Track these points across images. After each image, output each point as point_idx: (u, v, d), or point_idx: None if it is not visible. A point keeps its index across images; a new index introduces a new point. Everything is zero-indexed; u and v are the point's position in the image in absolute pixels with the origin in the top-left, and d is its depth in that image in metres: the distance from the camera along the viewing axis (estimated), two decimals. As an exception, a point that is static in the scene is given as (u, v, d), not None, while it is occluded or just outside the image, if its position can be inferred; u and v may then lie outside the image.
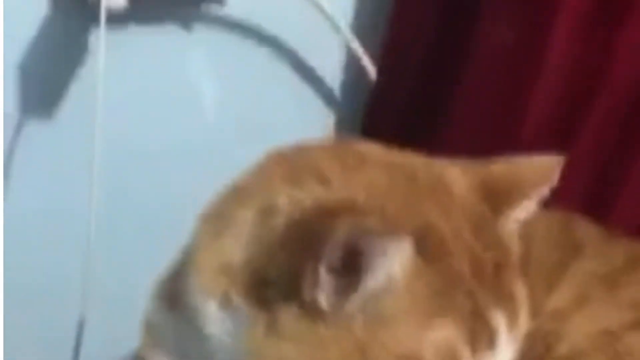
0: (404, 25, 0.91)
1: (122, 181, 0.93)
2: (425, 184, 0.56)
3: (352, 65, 0.97)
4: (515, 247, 0.58)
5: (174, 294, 0.59)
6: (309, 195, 0.53)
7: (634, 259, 0.73)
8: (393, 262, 0.50)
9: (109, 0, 0.82)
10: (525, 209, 0.59)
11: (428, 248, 0.52)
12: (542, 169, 0.58)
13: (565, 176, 0.90)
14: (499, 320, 0.54)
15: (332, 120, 1.02)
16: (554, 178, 0.59)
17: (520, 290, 0.56)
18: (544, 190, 0.59)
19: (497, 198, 0.57)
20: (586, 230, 0.75)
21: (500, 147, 0.88)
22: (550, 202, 0.82)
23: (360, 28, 0.95)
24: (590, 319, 0.69)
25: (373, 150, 0.59)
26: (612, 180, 0.91)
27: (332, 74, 0.99)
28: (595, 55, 0.84)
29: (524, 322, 0.56)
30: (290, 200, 0.53)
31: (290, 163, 0.57)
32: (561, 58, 0.84)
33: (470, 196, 0.56)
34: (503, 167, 0.59)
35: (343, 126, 1.02)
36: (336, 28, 0.93)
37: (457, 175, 0.57)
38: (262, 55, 0.97)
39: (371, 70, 0.96)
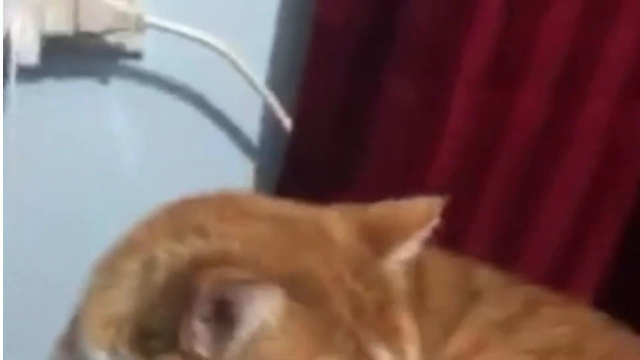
0: (316, 80, 0.93)
1: (31, 248, 0.93)
2: (305, 232, 0.57)
3: (269, 118, 0.99)
4: (399, 285, 0.59)
5: (71, 341, 0.60)
6: (188, 249, 0.55)
7: (531, 303, 0.75)
8: (262, 309, 0.51)
9: (19, 56, 0.82)
10: (407, 250, 0.60)
11: (305, 293, 0.53)
12: (422, 211, 0.60)
13: (473, 227, 0.94)
14: (384, 355, 0.55)
15: (251, 171, 1.03)
16: (434, 219, 0.60)
17: (407, 325, 0.58)
18: (425, 231, 0.60)
19: (378, 240, 0.59)
20: (486, 276, 0.77)
21: (406, 192, 0.91)
22: (458, 250, 0.85)
23: (276, 82, 0.97)
24: (489, 365, 0.70)
25: (256, 202, 0.61)
26: (518, 229, 0.93)
27: (250, 126, 1.00)
28: (495, 112, 0.87)
29: (414, 355, 0.57)
30: (170, 253, 0.55)
31: (174, 217, 0.59)
32: (463, 116, 0.87)
33: (350, 240, 0.58)
34: (382, 209, 0.60)
35: (263, 177, 1.03)
36: (252, 83, 0.95)
37: (335, 220, 0.59)
38: (180, 109, 0.98)
39: (287, 122, 0.97)
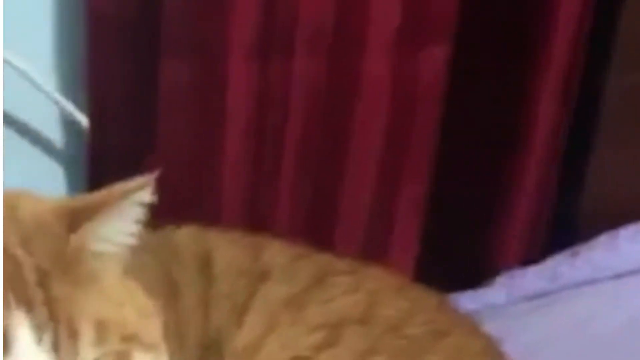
0: (100, 73, 0.92)
1: None
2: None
3: (67, 121, 0.97)
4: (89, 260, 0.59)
5: None
6: None
7: (320, 275, 0.75)
8: None
9: None
10: (101, 225, 0.59)
11: None
12: (118, 188, 0.59)
13: (277, 204, 0.94)
14: (19, 322, 0.54)
15: (61, 177, 1.01)
16: (135, 193, 0.59)
17: (67, 298, 0.56)
18: (119, 207, 0.59)
19: (75, 216, 0.58)
20: (275, 253, 0.77)
21: (201, 176, 0.91)
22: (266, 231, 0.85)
23: (65, 83, 0.95)
24: (280, 346, 0.70)
25: None
26: (322, 200, 0.94)
27: (48, 131, 0.98)
28: (274, 82, 0.88)
29: (74, 334, 0.56)
30: None
31: None
32: (242, 91, 0.87)
33: (33, 218, 0.58)
34: (95, 194, 0.60)
35: (73, 180, 1.01)
36: (40, 89, 0.93)
37: (27, 203, 0.60)
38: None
39: (84, 122, 0.96)
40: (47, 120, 0.98)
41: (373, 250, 1.00)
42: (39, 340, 0.54)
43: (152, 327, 0.61)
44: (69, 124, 0.97)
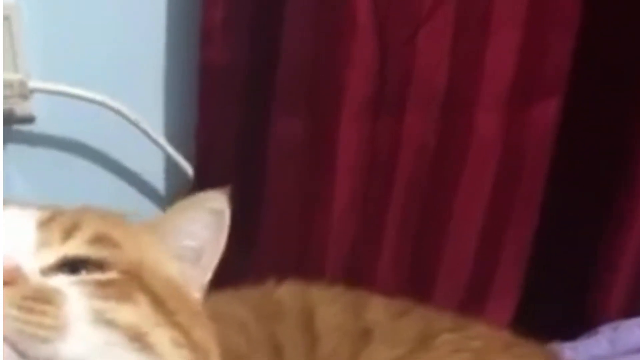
0: (209, 124, 0.93)
1: None
2: None
3: (171, 167, 0.99)
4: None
5: None
6: None
7: (422, 336, 0.75)
8: None
9: None
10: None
11: None
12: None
13: (379, 261, 0.94)
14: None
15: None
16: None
17: None
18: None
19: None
20: (376, 310, 0.76)
21: (306, 230, 0.92)
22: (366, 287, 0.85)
23: (173, 132, 0.97)
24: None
25: None
26: (425, 256, 0.94)
27: (153, 179, 1.00)
28: (385, 140, 0.88)
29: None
30: None
31: None
32: (352, 148, 0.87)
33: None
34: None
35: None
36: (148, 135, 0.95)
37: None
38: (80, 167, 0.98)
39: (189, 170, 0.98)
40: (153, 168, 1.00)
41: (472, 299, 0.99)
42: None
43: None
44: (175, 172, 0.98)
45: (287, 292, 0.80)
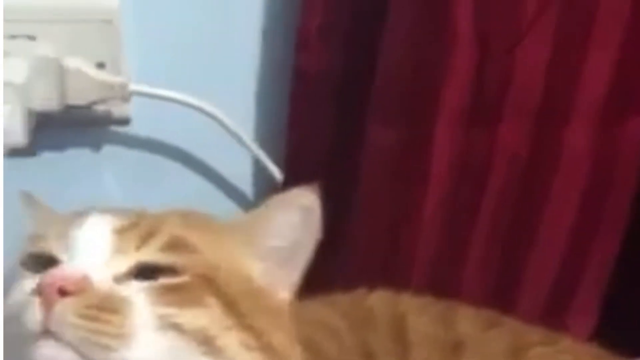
0: (301, 130, 0.94)
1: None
2: None
3: (260, 172, 1.00)
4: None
5: None
6: None
7: (513, 349, 0.74)
8: None
9: (7, 137, 0.84)
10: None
11: None
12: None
13: (465, 268, 0.94)
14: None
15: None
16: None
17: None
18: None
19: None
20: (466, 322, 0.77)
21: (395, 238, 0.92)
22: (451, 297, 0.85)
23: (264, 137, 0.98)
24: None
25: None
26: (511, 266, 0.93)
27: (242, 182, 1.02)
28: (478, 149, 0.88)
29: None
30: None
31: None
32: (446, 157, 0.87)
33: None
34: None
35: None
36: (240, 139, 0.96)
37: None
38: (172, 170, 1.00)
39: (278, 175, 0.98)
40: (244, 172, 1.01)
41: (554, 313, 0.98)
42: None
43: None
44: (264, 177, 0.99)
45: (379, 300, 0.81)
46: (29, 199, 0.71)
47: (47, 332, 0.53)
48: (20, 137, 0.86)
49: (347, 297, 0.83)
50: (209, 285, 0.57)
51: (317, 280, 0.89)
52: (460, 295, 0.89)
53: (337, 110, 0.92)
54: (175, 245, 0.58)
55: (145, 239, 0.58)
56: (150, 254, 0.58)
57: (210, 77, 0.95)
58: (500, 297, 0.92)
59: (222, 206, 1.01)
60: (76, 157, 0.97)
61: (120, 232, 0.59)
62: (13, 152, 0.86)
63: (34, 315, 0.53)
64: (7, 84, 0.85)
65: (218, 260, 0.60)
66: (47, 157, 0.96)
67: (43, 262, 0.59)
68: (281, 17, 0.93)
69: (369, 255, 0.92)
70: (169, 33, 0.94)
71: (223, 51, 0.95)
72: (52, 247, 0.59)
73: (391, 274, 0.90)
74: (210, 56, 0.95)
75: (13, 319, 0.55)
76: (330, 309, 0.81)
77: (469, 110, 0.85)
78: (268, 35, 0.95)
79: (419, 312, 0.79)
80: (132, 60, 0.93)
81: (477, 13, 0.80)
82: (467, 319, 0.78)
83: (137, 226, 0.60)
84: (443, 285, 0.90)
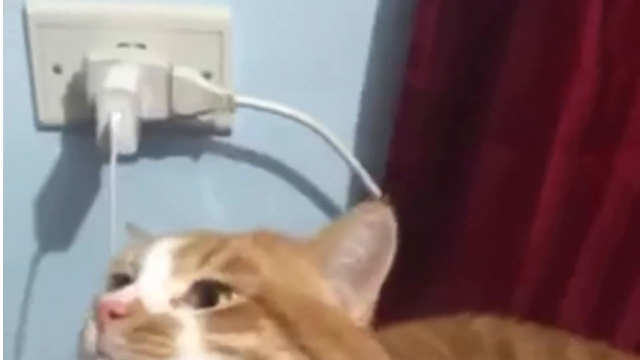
0: (404, 148, 0.93)
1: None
2: None
3: (357, 187, 0.99)
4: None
5: None
6: None
7: None
8: None
9: (119, 146, 0.84)
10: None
11: None
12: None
13: (567, 297, 0.92)
14: None
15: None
16: None
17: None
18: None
19: None
20: (576, 349, 0.76)
21: (500, 264, 0.91)
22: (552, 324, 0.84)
23: (363, 152, 0.98)
24: None
25: None
26: (613, 299, 0.92)
27: (340, 197, 1.01)
28: (592, 175, 0.86)
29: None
30: None
31: None
32: (558, 183, 0.86)
33: None
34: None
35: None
36: (340, 153, 0.96)
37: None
38: (270, 181, 1.00)
39: (375, 191, 0.98)
40: (341, 187, 1.01)
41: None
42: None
43: None
44: (363, 193, 0.99)
45: (484, 325, 0.80)
46: (133, 229, 0.72)
47: (100, 353, 0.54)
48: (131, 145, 0.86)
49: (450, 321, 0.82)
50: (265, 306, 0.57)
51: (419, 305, 0.89)
52: (559, 324, 0.88)
53: (445, 128, 0.91)
54: (235, 264, 0.58)
55: (206, 258, 0.59)
56: (210, 272, 0.58)
57: (315, 91, 0.95)
58: (601, 329, 0.90)
59: (318, 221, 1.01)
60: (177, 166, 0.97)
61: (182, 253, 0.60)
62: (121, 157, 0.86)
63: (90, 336, 0.55)
64: (119, 92, 0.86)
65: (279, 280, 0.59)
66: (149, 164, 0.96)
67: (118, 283, 0.60)
68: (390, 32, 0.92)
69: (472, 278, 0.91)
70: (276, 45, 0.93)
71: (329, 65, 0.94)
72: (127, 269, 0.61)
73: (493, 299, 0.89)
74: (316, 69, 0.94)
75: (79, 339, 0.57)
76: (432, 332, 0.80)
77: (586, 136, 0.84)
78: (375, 50, 0.94)
79: (527, 340, 0.78)
80: (238, 71, 0.92)
81: (604, 31, 0.78)
82: (577, 351, 0.77)
83: (199, 246, 0.60)
84: (544, 313, 0.89)
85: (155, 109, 0.89)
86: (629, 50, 0.80)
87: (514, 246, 0.89)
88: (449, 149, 0.91)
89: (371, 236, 0.61)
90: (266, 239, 0.63)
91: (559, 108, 0.82)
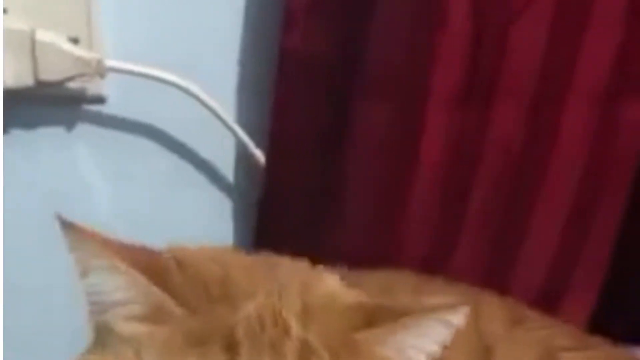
0: (285, 112, 0.91)
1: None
2: None
3: (241, 153, 0.97)
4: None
5: None
6: None
7: (548, 351, 0.72)
8: None
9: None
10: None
11: None
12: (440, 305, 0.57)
13: (457, 251, 0.92)
14: None
15: (228, 208, 1.01)
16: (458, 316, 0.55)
17: None
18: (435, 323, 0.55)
19: (368, 315, 0.56)
20: (490, 318, 0.73)
21: (385, 219, 0.90)
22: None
23: (245, 116, 0.95)
24: None
25: None
26: (505, 251, 0.91)
27: (222, 163, 0.98)
28: (472, 131, 0.85)
29: None
30: None
31: None
32: (438, 138, 0.85)
33: (324, 295, 0.58)
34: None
35: (240, 214, 1.01)
36: (220, 119, 0.93)
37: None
38: (149, 149, 0.96)
39: (259, 155, 0.95)
40: (224, 153, 0.98)
41: (549, 297, 0.97)
42: None
43: None
44: (246, 159, 0.96)
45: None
46: (72, 229, 0.59)
47: None
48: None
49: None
50: None
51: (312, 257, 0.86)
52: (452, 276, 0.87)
53: (322, 90, 0.89)
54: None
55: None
56: None
57: (191, 54, 0.91)
58: (494, 279, 0.90)
59: (199, 187, 0.98)
60: (49, 136, 0.93)
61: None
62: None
63: None
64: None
65: None
66: (19, 134, 0.91)
67: None
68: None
69: (361, 232, 0.89)
70: (147, 7, 0.89)
71: (205, 27, 0.91)
72: None
73: (381, 258, 0.88)
74: (192, 32, 0.91)
75: None
76: None
77: (462, 90, 0.83)
78: (251, 12, 0.91)
79: (437, 293, 0.76)
80: (108, 36, 0.88)
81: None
82: (492, 315, 0.75)
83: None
84: (434, 265, 0.88)
85: (19, 76, 0.85)
86: (499, 3, 0.79)
87: (400, 203, 0.87)
88: (330, 110, 0.89)
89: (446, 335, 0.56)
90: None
91: (431, 63, 0.80)
